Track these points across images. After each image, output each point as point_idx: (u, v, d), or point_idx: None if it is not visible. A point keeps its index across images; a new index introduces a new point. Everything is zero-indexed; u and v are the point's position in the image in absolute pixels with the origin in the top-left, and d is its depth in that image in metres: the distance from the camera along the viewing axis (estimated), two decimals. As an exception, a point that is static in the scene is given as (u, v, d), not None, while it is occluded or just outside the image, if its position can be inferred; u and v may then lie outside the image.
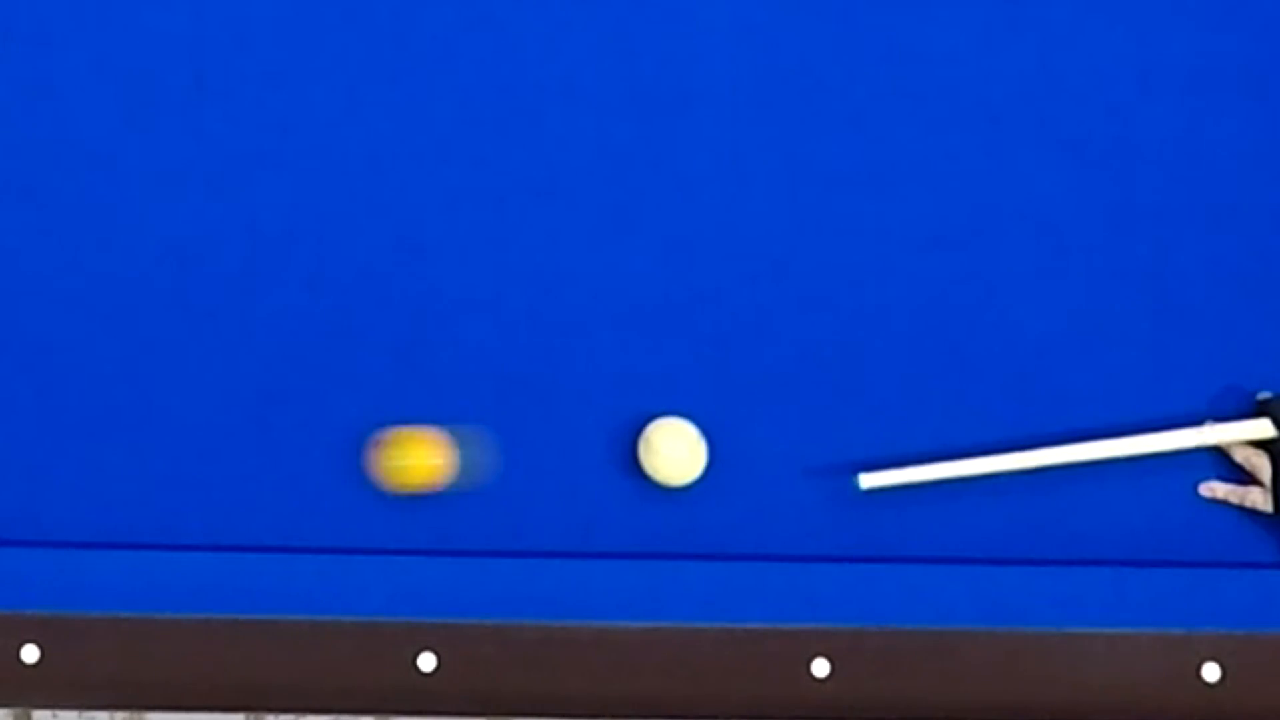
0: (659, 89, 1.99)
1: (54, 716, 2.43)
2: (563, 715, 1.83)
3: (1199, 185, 1.94)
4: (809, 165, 1.97)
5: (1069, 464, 1.84)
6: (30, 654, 1.77)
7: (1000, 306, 1.91)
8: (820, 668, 1.77)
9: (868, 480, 1.82)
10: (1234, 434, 1.81)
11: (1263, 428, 1.79)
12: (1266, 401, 1.79)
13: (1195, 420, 1.84)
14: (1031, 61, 1.96)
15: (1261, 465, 1.78)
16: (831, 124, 1.97)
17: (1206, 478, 1.84)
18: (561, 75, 1.99)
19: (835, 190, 1.95)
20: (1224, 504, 1.82)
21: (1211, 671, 1.78)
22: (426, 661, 1.77)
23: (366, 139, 1.99)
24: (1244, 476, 1.82)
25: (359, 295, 1.94)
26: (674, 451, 1.84)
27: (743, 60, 1.99)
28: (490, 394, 1.92)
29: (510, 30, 2.00)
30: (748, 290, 1.93)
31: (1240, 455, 1.79)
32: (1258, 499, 1.79)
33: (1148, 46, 1.97)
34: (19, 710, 2.41)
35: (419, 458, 1.83)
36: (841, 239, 1.93)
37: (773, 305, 1.92)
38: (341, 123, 1.99)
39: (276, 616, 1.79)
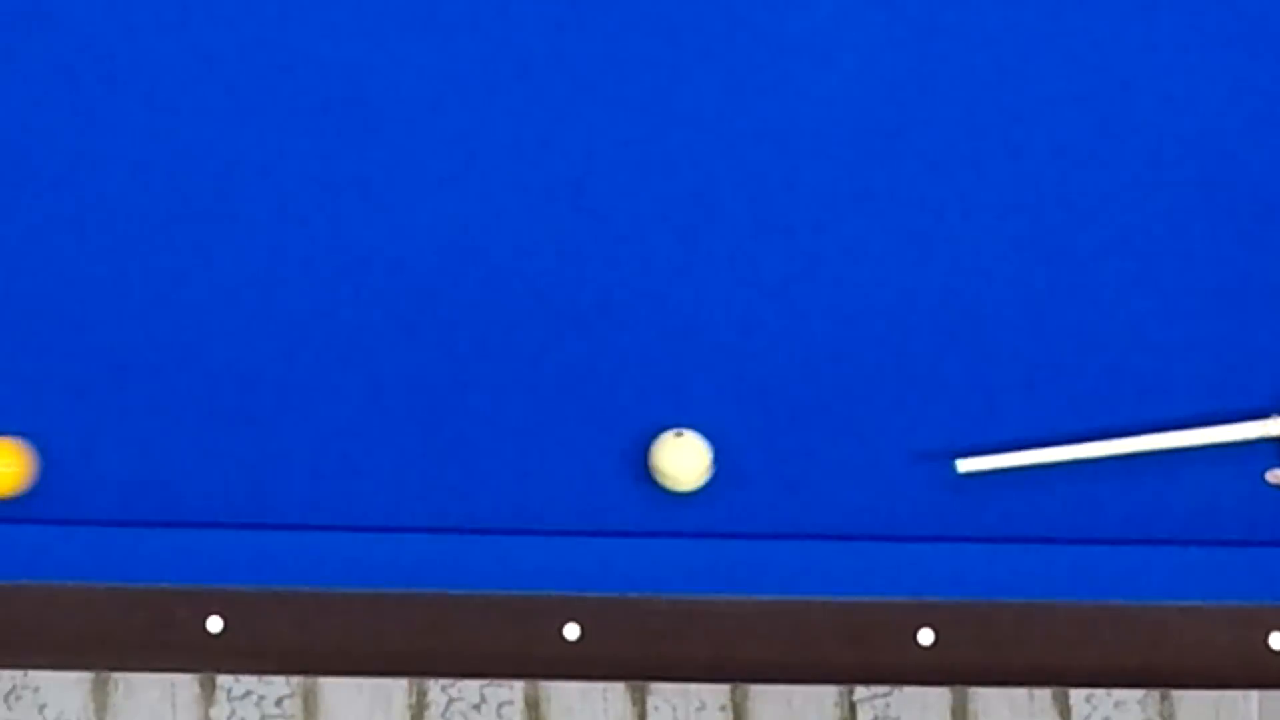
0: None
1: (236, 681, 2.46)
2: (692, 679, 1.91)
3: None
4: (896, 153, 1.98)
5: (1148, 451, 1.89)
6: (215, 624, 1.84)
7: (1086, 302, 1.97)
8: (926, 637, 1.83)
9: (964, 465, 1.88)
10: None
11: None
12: None
13: (1263, 414, 1.90)
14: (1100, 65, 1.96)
15: None
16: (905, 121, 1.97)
17: (1272, 465, 1.89)
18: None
19: (929, 172, 1.99)
20: None
21: (1278, 640, 1.84)
22: (571, 631, 1.84)
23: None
24: None
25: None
26: (684, 466, 1.89)
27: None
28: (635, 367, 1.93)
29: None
30: (860, 281, 1.97)
31: None
32: None
33: (1197, 41, 1.98)
34: (204, 675, 2.47)
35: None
36: (936, 226, 1.98)
37: (874, 294, 1.98)
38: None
39: (438, 591, 1.86)
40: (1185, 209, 1.97)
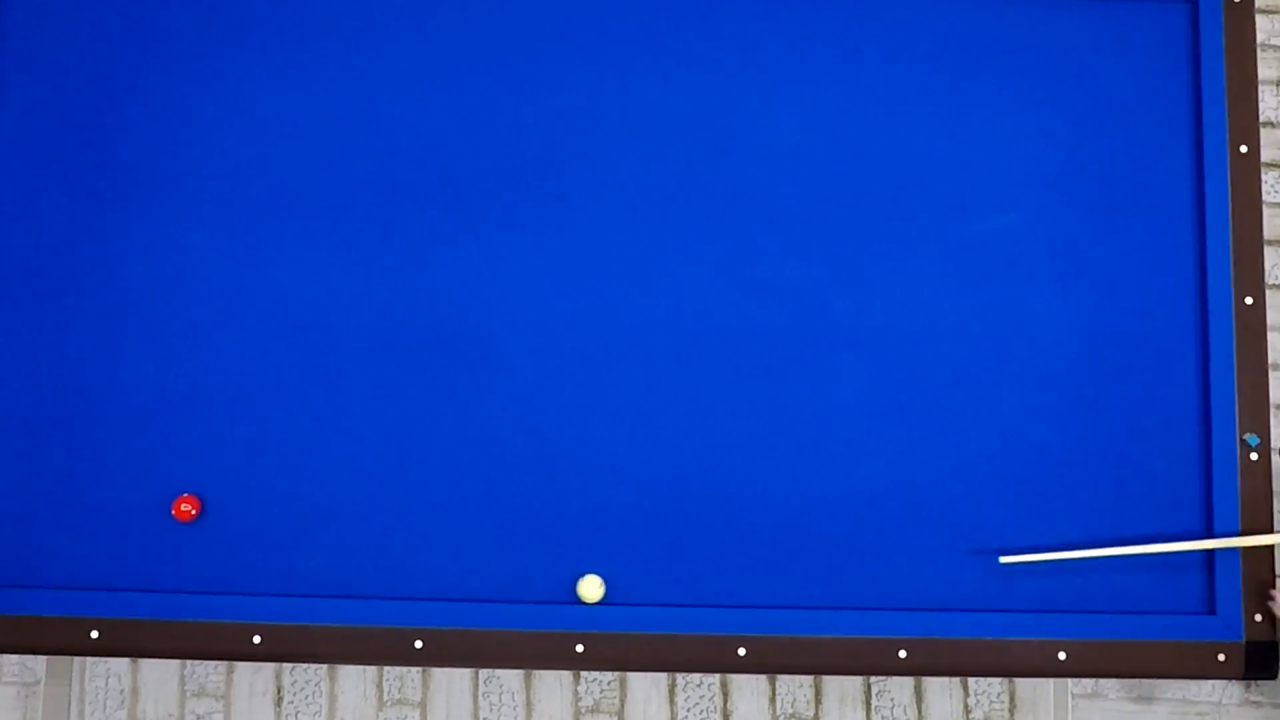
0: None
1: (590, 672, 3.12)
2: (805, 673, 2.70)
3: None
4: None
5: (1089, 558, 2.61)
6: (579, 647, 2.61)
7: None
8: (902, 653, 2.60)
9: (1006, 559, 2.62)
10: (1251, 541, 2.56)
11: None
12: None
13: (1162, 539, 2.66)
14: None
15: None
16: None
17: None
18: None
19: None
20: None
21: (1062, 655, 2.66)
22: (741, 650, 2.58)
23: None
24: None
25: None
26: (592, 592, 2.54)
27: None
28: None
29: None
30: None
31: None
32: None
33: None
34: (575, 671, 3.00)
35: None
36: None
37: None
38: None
39: (679, 632, 2.61)
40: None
